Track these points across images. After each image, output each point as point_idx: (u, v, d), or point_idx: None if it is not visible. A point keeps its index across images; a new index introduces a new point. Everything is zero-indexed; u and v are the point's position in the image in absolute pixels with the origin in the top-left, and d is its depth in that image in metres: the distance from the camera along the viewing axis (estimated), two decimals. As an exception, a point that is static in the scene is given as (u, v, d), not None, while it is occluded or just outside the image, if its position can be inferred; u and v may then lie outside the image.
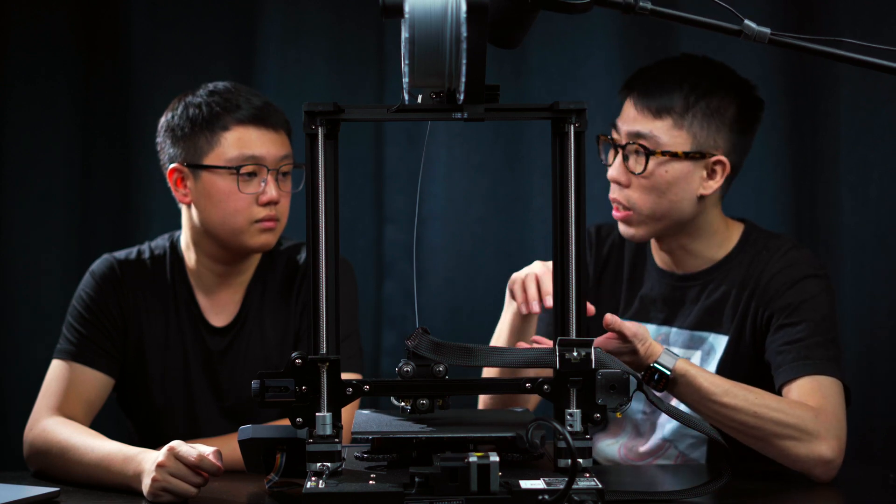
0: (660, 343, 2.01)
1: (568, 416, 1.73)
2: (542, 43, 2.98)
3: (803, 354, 2.10)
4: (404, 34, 1.59)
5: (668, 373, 1.95)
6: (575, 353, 1.73)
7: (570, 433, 1.70)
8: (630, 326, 1.94)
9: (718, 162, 2.23)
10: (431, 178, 3.07)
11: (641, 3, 1.75)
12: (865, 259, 2.88)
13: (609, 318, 1.93)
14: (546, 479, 1.66)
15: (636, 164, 2.21)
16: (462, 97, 1.64)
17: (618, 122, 2.26)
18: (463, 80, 1.61)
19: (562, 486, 1.59)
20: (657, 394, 1.89)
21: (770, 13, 2.85)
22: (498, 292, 3.04)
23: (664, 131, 2.20)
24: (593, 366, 1.73)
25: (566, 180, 1.75)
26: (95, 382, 2.27)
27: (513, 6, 1.73)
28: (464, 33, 1.57)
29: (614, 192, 2.25)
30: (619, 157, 2.23)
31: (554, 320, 1.79)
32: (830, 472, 2.00)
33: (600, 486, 1.64)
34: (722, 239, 2.30)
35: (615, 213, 2.27)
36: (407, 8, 1.58)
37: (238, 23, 3.09)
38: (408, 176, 3.06)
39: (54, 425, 2.13)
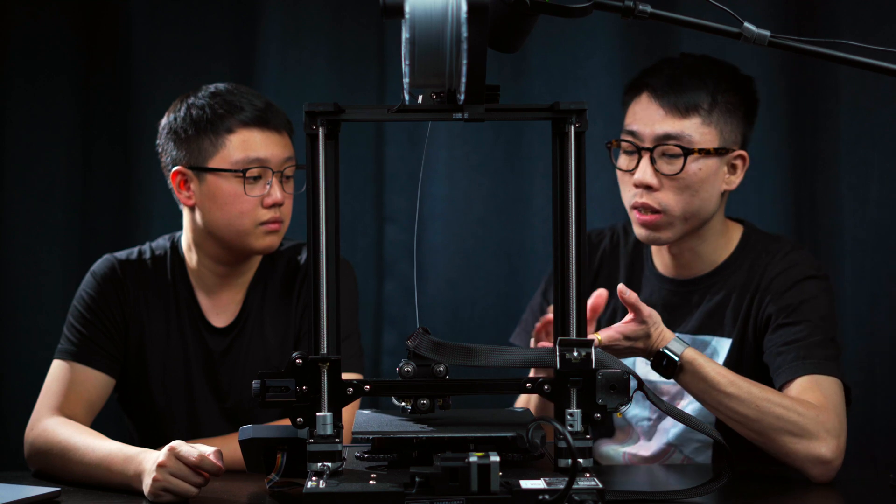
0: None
1: (568, 416, 1.73)
2: (543, 43, 2.98)
3: (802, 354, 2.11)
4: (405, 34, 1.59)
5: (677, 359, 1.97)
6: (575, 353, 1.73)
7: (571, 433, 1.70)
8: (645, 307, 1.96)
9: (739, 156, 2.25)
10: (432, 178, 3.07)
11: (641, 7, 1.75)
12: (865, 259, 2.88)
13: (622, 288, 1.93)
14: (546, 478, 1.66)
15: (667, 165, 2.20)
16: (462, 97, 1.64)
17: (633, 125, 2.23)
18: (463, 80, 1.61)
19: (562, 486, 1.60)
20: (658, 395, 1.89)
21: (770, 13, 2.85)
22: (498, 292, 3.05)
23: (695, 129, 2.20)
24: (593, 366, 1.73)
25: (566, 180, 1.75)
26: (96, 382, 2.28)
27: (512, 11, 1.73)
28: (464, 33, 1.57)
29: (642, 197, 2.21)
30: (646, 160, 2.20)
31: (554, 320, 1.79)
32: (829, 473, 2.00)
33: (600, 486, 1.64)
34: (725, 240, 2.31)
35: (642, 218, 2.22)
36: (407, 8, 1.59)
37: (238, 23, 3.09)
38: (408, 176, 3.06)
39: (55, 425, 2.13)
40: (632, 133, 2.23)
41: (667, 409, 1.86)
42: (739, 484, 1.96)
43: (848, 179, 2.89)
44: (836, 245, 2.91)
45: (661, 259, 2.36)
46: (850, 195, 2.89)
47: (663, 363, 1.98)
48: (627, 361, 2.32)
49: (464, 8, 1.57)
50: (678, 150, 2.19)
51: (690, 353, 1.98)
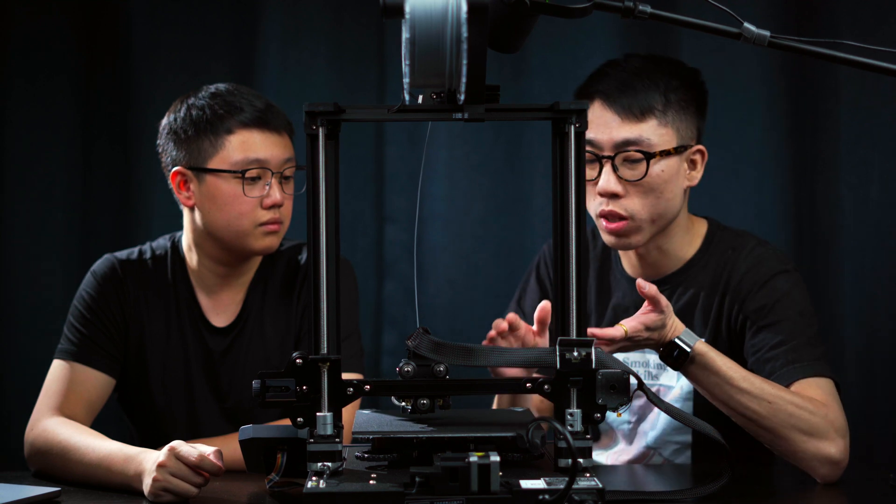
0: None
1: (568, 416, 1.73)
2: (543, 43, 2.98)
3: (791, 358, 2.09)
4: (405, 34, 1.60)
5: (689, 349, 1.96)
6: (575, 353, 1.73)
7: (571, 433, 1.70)
8: (663, 297, 1.95)
9: (698, 151, 2.24)
10: (432, 178, 3.07)
11: (641, 7, 1.75)
12: (865, 259, 2.88)
13: (641, 282, 1.93)
14: (546, 478, 1.66)
15: (630, 171, 2.18)
16: (462, 97, 1.65)
17: (590, 134, 2.17)
18: (463, 80, 1.61)
19: (562, 486, 1.59)
20: (655, 393, 1.89)
21: (770, 13, 2.85)
22: (498, 292, 3.05)
23: (652, 132, 2.18)
24: (594, 366, 1.73)
25: (566, 180, 1.75)
26: (96, 382, 2.28)
27: (512, 11, 1.73)
28: (464, 33, 1.57)
29: (608, 205, 2.19)
30: (608, 168, 2.17)
31: (554, 320, 1.79)
32: (836, 473, 2.00)
33: (601, 485, 1.64)
34: (691, 237, 2.30)
35: (610, 226, 2.20)
36: (407, 8, 1.59)
37: (238, 23, 3.09)
38: (408, 176, 3.06)
39: (55, 425, 2.14)
40: (590, 142, 2.18)
41: (667, 409, 1.85)
42: (739, 484, 1.95)
43: (848, 179, 2.89)
44: (836, 245, 2.91)
45: (628, 261, 2.35)
46: (850, 195, 2.89)
47: (674, 353, 1.96)
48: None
49: (464, 8, 1.57)
50: (639, 156, 2.17)
51: (702, 346, 1.97)
